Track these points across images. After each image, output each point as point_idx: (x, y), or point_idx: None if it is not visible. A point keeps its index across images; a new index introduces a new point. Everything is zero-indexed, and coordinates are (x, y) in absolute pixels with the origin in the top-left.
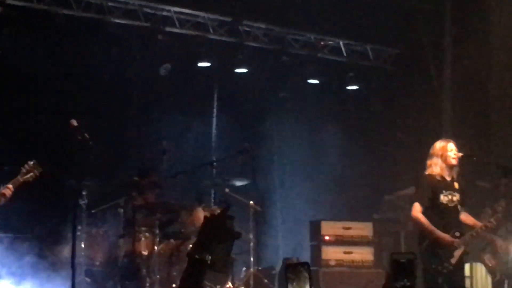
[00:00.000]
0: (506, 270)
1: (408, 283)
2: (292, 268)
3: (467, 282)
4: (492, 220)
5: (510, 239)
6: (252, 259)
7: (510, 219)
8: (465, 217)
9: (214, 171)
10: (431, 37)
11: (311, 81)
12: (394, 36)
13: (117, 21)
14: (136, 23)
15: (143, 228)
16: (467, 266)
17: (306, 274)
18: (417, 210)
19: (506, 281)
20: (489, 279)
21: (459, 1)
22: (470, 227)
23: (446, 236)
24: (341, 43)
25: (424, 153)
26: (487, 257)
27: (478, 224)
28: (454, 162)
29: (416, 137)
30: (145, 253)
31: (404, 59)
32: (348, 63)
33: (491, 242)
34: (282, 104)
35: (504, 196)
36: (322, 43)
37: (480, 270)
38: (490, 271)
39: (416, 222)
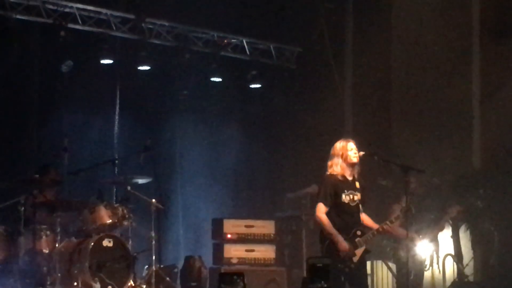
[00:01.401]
0: (414, 264)
1: (325, 285)
2: (227, 278)
3: (369, 280)
4: (387, 222)
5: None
6: (154, 257)
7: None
8: (365, 218)
9: (116, 168)
10: (332, 36)
11: (213, 79)
12: (296, 35)
13: (19, 17)
14: (39, 19)
15: (44, 226)
16: (368, 264)
17: (242, 284)
18: (321, 211)
19: (412, 273)
20: (391, 276)
21: (361, 1)
22: (369, 228)
23: (343, 244)
24: (244, 41)
25: (326, 152)
26: (400, 253)
27: (375, 225)
28: (355, 160)
29: (317, 135)
30: (46, 251)
31: (306, 58)
32: (250, 61)
33: (403, 235)
34: (185, 102)
35: (405, 193)
36: (225, 41)
37: (381, 268)
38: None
39: (319, 222)
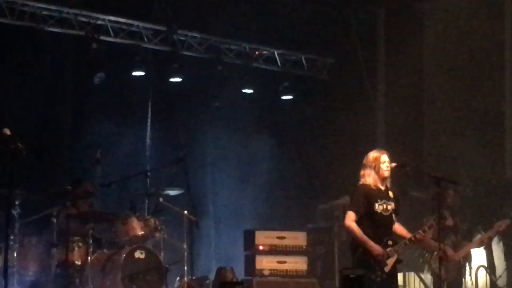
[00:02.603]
0: (453, 278)
1: None
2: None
3: None
4: (420, 232)
5: (458, 247)
6: (186, 268)
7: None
8: (398, 227)
9: (148, 180)
10: (364, 46)
11: (245, 90)
12: (328, 46)
13: (51, 29)
14: (71, 31)
15: (76, 238)
16: (400, 276)
17: None
18: (350, 218)
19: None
20: None
21: (393, 11)
22: (402, 237)
23: (377, 247)
24: (275, 52)
25: (358, 163)
26: (436, 266)
27: (408, 235)
28: (386, 174)
29: (350, 146)
30: (78, 262)
31: (339, 69)
32: (282, 73)
33: (439, 250)
34: (217, 113)
35: (438, 205)
36: (256, 52)
37: (414, 280)
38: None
39: (348, 230)
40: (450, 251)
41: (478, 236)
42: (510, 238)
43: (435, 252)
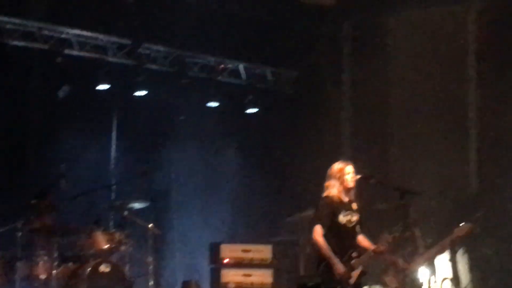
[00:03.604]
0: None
1: None
2: None
3: None
4: (382, 243)
5: (411, 259)
6: (151, 282)
7: (410, 241)
8: (362, 239)
9: (113, 193)
10: (330, 60)
11: (210, 104)
12: (293, 59)
13: (16, 43)
14: (35, 45)
15: (41, 252)
16: None
17: None
18: (318, 233)
19: None
20: None
21: (357, 24)
22: (366, 249)
23: (340, 267)
24: (240, 66)
25: (323, 176)
26: (388, 279)
27: (372, 247)
28: (351, 185)
29: (315, 159)
30: (43, 277)
31: (303, 82)
32: (247, 86)
33: (392, 263)
34: (182, 126)
35: (401, 217)
36: (221, 66)
37: None
38: None
39: (316, 245)
40: (402, 263)
41: (438, 244)
42: (475, 250)
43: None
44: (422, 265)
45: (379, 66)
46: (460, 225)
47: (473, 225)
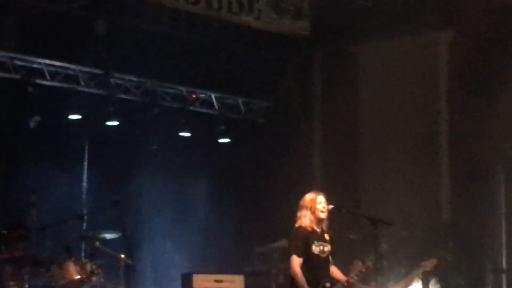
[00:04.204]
0: None
1: None
2: None
3: None
4: (353, 275)
5: None
6: None
7: (380, 271)
8: (334, 270)
9: (84, 224)
10: (300, 90)
11: (182, 134)
12: (265, 89)
13: None
14: (6, 75)
15: (12, 283)
16: None
17: None
18: (296, 264)
19: None
20: None
21: (328, 54)
22: (338, 280)
23: None
24: (212, 96)
25: (295, 206)
26: None
27: (344, 278)
28: (323, 215)
29: (287, 189)
30: None
31: (275, 112)
32: (219, 116)
33: None
34: (153, 156)
35: (373, 247)
36: (193, 96)
37: None
38: None
39: (294, 276)
40: None
41: (406, 277)
42: (447, 279)
43: None
44: None
45: (350, 96)
46: (427, 260)
47: (439, 261)
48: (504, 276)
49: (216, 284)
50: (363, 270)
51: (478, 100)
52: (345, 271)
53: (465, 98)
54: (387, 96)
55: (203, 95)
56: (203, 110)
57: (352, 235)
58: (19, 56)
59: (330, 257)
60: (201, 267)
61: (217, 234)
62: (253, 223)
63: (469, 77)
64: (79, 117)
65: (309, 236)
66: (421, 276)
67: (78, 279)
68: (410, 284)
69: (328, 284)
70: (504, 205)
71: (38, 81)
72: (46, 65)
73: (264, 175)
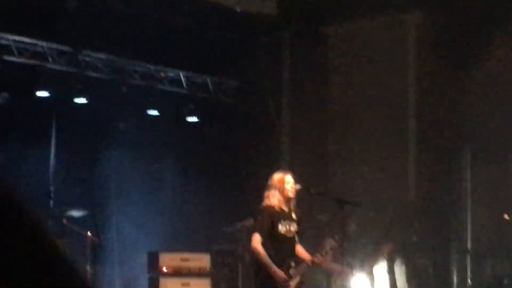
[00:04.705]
0: None
1: None
2: None
3: None
4: (318, 255)
5: (349, 270)
6: None
7: (347, 252)
8: (300, 249)
9: (51, 201)
10: (270, 70)
11: (150, 112)
12: (234, 68)
13: None
14: None
15: None
16: None
17: None
18: (257, 241)
19: None
20: None
21: (297, 34)
22: (304, 259)
23: (280, 273)
24: (181, 74)
25: (263, 185)
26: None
27: (309, 258)
28: (291, 194)
29: (255, 168)
30: None
31: (244, 92)
32: (188, 95)
33: (335, 271)
34: (121, 134)
35: (340, 228)
36: (162, 74)
37: None
38: None
39: (255, 253)
40: (345, 270)
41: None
42: (412, 261)
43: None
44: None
45: (319, 76)
46: (384, 245)
47: (395, 244)
48: (469, 257)
49: (183, 263)
50: (329, 250)
51: (446, 82)
52: (311, 251)
53: (434, 80)
54: (356, 77)
55: (172, 74)
56: (172, 89)
57: (320, 216)
58: None
59: (296, 237)
60: (168, 246)
61: (185, 213)
62: (220, 202)
63: (437, 59)
64: (47, 94)
65: (276, 215)
66: (386, 257)
67: None
68: (375, 264)
69: (293, 263)
70: (470, 186)
71: (6, 57)
72: (14, 41)
73: (232, 154)
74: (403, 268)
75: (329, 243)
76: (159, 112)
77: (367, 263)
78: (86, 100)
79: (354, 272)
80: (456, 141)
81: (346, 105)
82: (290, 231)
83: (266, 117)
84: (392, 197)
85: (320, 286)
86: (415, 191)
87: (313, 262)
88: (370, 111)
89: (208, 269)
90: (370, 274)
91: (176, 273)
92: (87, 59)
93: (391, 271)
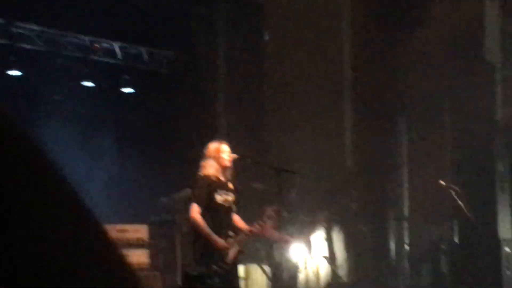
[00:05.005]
0: (288, 266)
1: None
2: None
3: (243, 284)
4: (256, 225)
5: (287, 238)
6: None
7: (285, 220)
8: (237, 219)
9: None
10: (205, 40)
11: (85, 83)
12: (169, 39)
13: None
14: None
15: None
16: (243, 268)
17: None
18: (195, 211)
19: (286, 275)
20: (265, 279)
21: (232, 5)
22: (241, 229)
23: (220, 241)
24: (115, 45)
25: (201, 155)
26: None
27: (247, 227)
28: (227, 163)
29: (191, 139)
30: None
31: (180, 62)
32: (123, 66)
33: (276, 239)
34: (57, 107)
35: (278, 196)
36: (96, 45)
37: (255, 271)
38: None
39: (193, 223)
40: (286, 238)
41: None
42: (351, 228)
43: (275, 243)
44: (298, 242)
45: (254, 47)
46: (322, 212)
47: (330, 214)
48: (406, 223)
49: (120, 234)
50: (267, 219)
51: (381, 49)
52: (251, 221)
53: (369, 47)
54: (292, 45)
55: (106, 45)
56: (106, 60)
57: (257, 185)
58: None
59: (233, 206)
60: (105, 218)
61: (122, 185)
62: (157, 173)
63: (373, 25)
64: None
65: (212, 185)
66: (324, 224)
67: None
68: (313, 232)
69: (231, 233)
70: (406, 153)
71: None
72: None
73: (169, 124)
74: (341, 235)
75: (267, 212)
76: (94, 83)
77: (305, 231)
78: (20, 72)
79: (292, 240)
80: (392, 108)
81: (282, 74)
82: (227, 200)
83: (202, 87)
84: (329, 165)
85: (260, 255)
86: (352, 159)
87: (251, 231)
88: (306, 79)
89: (145, 240)
90: (308, 242)
91: None
92: (20, 30)
93: (329, 238)
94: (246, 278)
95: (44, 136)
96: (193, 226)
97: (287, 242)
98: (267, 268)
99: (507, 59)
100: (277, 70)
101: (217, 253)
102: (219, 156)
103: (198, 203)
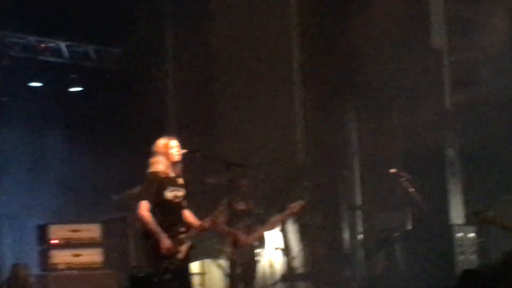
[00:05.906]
0: (247, 262)
1: None
2: None
3: (200, 279)
4: (208, 219)
5: (249, 232)
6: None
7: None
8: (188, 214)
9: None
10: (153, 36)
11: (33, 84)
12: (116, 36)
13: None
14: None
15: None
16: (198, 263)
17: None
18: (144, 208)
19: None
20: (222, 274)
21: (180, 1)
22: (192, 224)
23: (167, 242)
24: (61, 44)
25: (150, 153)
26: (228, 251)
27: (198, 222)
28: (177, 158)
29: (142, 136)
30: None
31: (127, 59)
32: (70, 65)
33: (230, 235)
34: (5, 108)
35: (228, 191)
36: (42, 45)
37: (212, 266)
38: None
39: (142, 220)
40: (242, 235)
41: (272, 219)
42: (305, 220)
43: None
44: (258, 239)
45: (203, 42)
46: (294, 203)
47: (306, 202)
48: (359, 212)
49: (73, 234)
50: (218, 213)
51: (329, 33)
52: (203, 216)
53: (316, 34)
54: (240, 39)
55: (52, 44)
56: (54, 59)
57: (209, 180)
58: None
59: (184, 202)
60: (58, 218)
61: (73, 184)
62: (108, 171)
63: (320, 9)
64: None
65: (162, 182)
66: (287, 217)
67: None
68: (276, 225)
69: (183, 229)
70: (357, 142)
71: None
72: None
73: (118, 122)
74: (295, 226)
75: (219, 206)
76: (42, 83)
77: (259, 223)
78: None
79: (244, 234)
80: (342, 97)
81: (232, 65)
82: (177, 196)
83: (151, 83)
84: (281, 157)
85: (213, 250)
86: (304, 150)
87: (202, 226)
88: (255, 70)
89: (98, 239)
90: (262, 234)
91: (67, 244)
92: None
93: (284, 230)
94: (203, 273)
95: None
96: (142, 224)
97: (240, 237)
98: (223, 263)
99: (454, 43)
100: (227, 63)
101: (166, 252)
102: (168, 152)
103: (146, 199)
